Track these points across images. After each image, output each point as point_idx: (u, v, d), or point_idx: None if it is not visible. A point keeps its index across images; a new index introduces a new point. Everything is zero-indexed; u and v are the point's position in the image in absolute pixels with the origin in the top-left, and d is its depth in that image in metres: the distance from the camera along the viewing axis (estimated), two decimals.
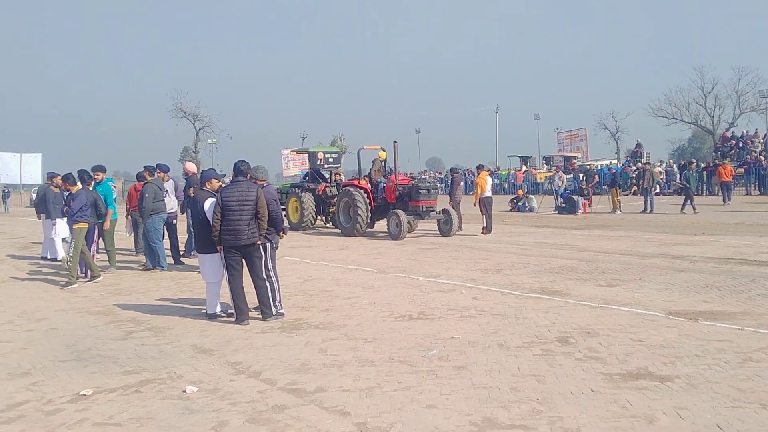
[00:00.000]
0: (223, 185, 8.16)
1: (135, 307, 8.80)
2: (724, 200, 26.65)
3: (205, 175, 8.50)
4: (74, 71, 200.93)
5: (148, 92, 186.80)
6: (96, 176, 12.14)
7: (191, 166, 14.40)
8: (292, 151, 41.31)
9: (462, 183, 19.25)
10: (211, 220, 7.68)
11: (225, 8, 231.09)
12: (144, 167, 12.78)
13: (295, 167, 58.10)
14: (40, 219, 15.21)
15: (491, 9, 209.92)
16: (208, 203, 7.77)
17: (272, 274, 7.96)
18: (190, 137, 65.47)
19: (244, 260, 7.76)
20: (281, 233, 8.34)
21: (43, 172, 25.02)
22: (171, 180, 13.52)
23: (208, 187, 8.16)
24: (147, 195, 11.88)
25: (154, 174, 12.59)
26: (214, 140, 65.30)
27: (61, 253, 13.64)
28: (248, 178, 7.97)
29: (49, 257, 14.09)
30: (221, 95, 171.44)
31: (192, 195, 12.10)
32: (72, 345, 6.87)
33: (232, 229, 7.54)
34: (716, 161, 34.72)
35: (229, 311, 7.92)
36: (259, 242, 7.73)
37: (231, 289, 7.70)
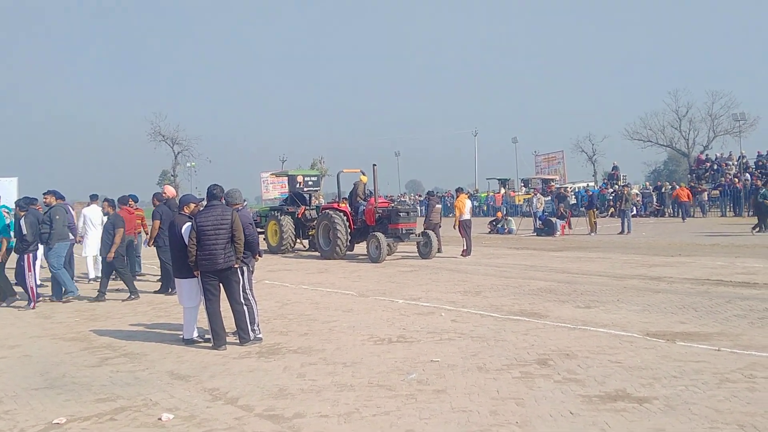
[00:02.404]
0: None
1: (111, 333, 8.68)
2: (683, 218, 29.91)
3: (183, 199, 8.46)
4: (50, 93, 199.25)
5: (127, 115, 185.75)
6: None
7: (170, 190, 14.33)
8: (271, 174, 41.29)
9: (439, 206, 19.26)
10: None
11: (203, 30, 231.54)
12: (50, 191, 12.25)
13: (274, 190, 57.99)
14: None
15: (469, 33, 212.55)
16: (186, 228, 7.72)
17: (250, 297, 7.91)
18: (169, 161, 65.07)
19: (221, 284, 7.70)
20: (257, 256, 8.31)
21: (19, 196, 24.73)
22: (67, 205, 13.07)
23: (186, 211, 8.12)
24: (58, 217, 11.51)
25: (64, 198, 12.32)
26: (193, 164, 65.03)
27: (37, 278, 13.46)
28: (222, 201, 7.95)
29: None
30: (200, 118, 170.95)
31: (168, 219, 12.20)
32: (46, 372, 6.74)
33: (209, 254, 7.49)
34: (692, 183, 35.25)
35: (207, 336, 7.84)
36: (236, 266, 7.67)
37: (208, 314, 7.62)
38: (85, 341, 8.27)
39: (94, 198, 15.28)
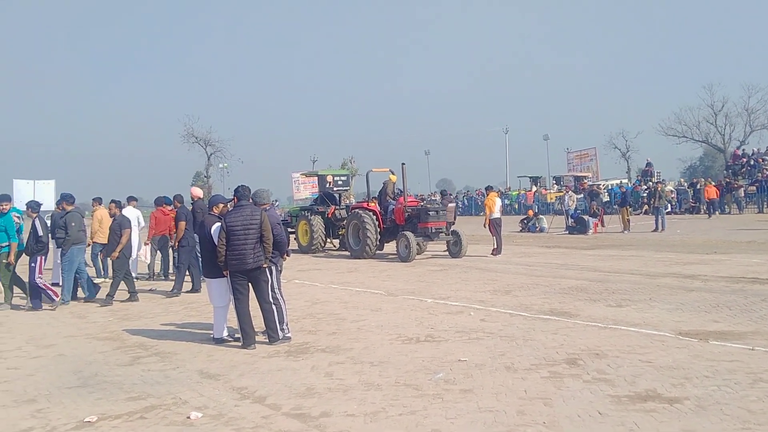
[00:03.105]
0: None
1: (143, 333, 8.81)
2: (709, 215, 29.99)
3: (212, 200, 8.55)
4: (88, 96, 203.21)
5: (161, 118, 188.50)
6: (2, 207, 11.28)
7: (197, 191, 14.58)
8: (302, 174, 41.55)
9: (452, 205, 19.14)
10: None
11: (236, 35, 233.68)
12: (63, 197, 12.33)
13: (305, 190, 58.24)
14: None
15: (499, 30, 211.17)
16: (215, 228, 7.80)
17: (279, 297, 7.96)
18: (202, 162, 65.78)
19: (250, 284, 7.76)
20: (285, 256, 8.36)
21: (56, 199, 25.24)
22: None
23: (215, 211, 8.21)
24: (74, 224, 11.51)
25: (74, 203, 12.31)
26: (226, 165, 65.62)
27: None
28: (250, 201, 8.01)
29: (56, 281, 14.11)
30: (232, 120, 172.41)
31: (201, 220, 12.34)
32: (79, 371, 6.87)
33: (238, 254, 7.55)
34: (727, 179, 34.59)
35: (236, 335, 7.91)
36: (264, 266, 7.73)
37: (237, 313, 7.68)
38: (118, 340, 8.41)
39: (131, 200, 15.64)
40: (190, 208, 13.47)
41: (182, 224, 12.52)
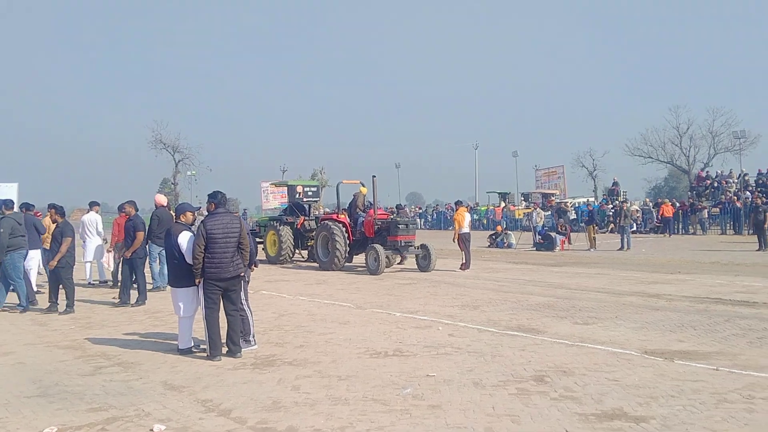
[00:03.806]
0: (201, 217, 8.09)
1: (105, 342, 8.63)
2: (669, 234, 31.60)
3: (180, 207, 8.42)
4: (53, 98, 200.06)
5: (128, 122, 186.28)
6: None
7: (161, 199, 14.40)
8: (271, 183, 41.27)
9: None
10: (186, 254, 7.58)
11: (205, 39, 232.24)
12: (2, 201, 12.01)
13: (274, 200, 57.88)
14: None
15: (470, 46, 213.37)
16: (183, 236, 7.68)
17: (246, 307, 7.89)
18: (170, 169, 64.91)
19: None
20: (253, 266, 8.29)
21: (19, 202, 24.70)
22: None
23: (183, 219, 8.08)
24: (2, 230, 11.20)
25: (12, 207, 12.07)
26: (194, 172, 64.76)
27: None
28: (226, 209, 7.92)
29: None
30: (201, 127, 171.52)
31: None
32: (38, 380, 6.69)
33: (218, 262, 7.44)
34: (691, 200, 35.24)
35: (202, 346, 7.79)
36: (242, 274, 7.65)
37: (208, 323, 7.55)
38: (79, 349, 8.22)
39: (93, 205, 15.39)
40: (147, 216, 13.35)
41: (141, 235, 12.12)
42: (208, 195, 7.92)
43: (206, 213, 8.08)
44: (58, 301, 11.31)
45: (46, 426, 5.23)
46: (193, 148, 63.19)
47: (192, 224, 8.15)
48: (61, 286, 11.33)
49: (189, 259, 7.61)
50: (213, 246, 7.42)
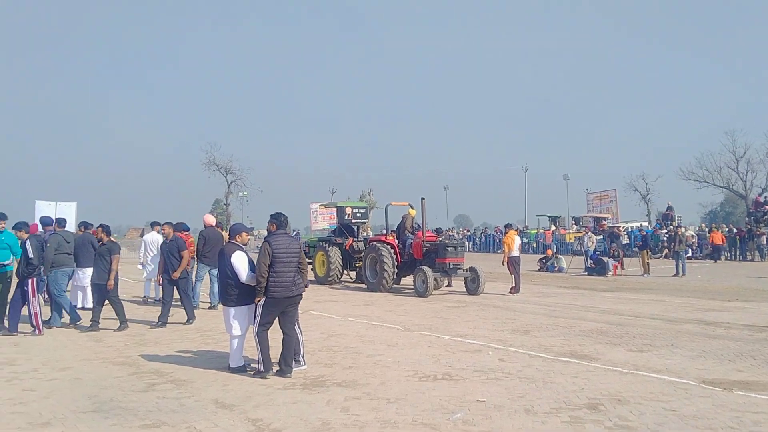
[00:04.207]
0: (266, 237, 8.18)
1: (159, 359, 8.78)
2: (714, 260, 31.68)
3: (234, 228, 8.54)
4: (111, 121, 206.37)
5: (183, 144, 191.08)
6: None
7: (209, 219, 14.79)
8: (320, 205, 41.68)
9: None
10: (240, 273, 7.70)
11: (261, 66, 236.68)
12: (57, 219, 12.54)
13: (323, 221, 58.40)
14: None
15: (520, 67, 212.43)
16: (237, 256, 7.79)
17: (296, 327, 7.96)
18: (222, 190, 66.16)
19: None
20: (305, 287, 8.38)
21: (77, 221, 25.47)
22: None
23: (239, 240, 8.21)
24: (49, 245, 11.44)
25: (63, 226, 12.44)
26: (245, 193, 65.94)
27: (89, 302, 13.81)
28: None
29: (78, 305, 14.13)
30: (253, 149, 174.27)
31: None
32: (94, 396, 6.83)
33: (282, 281, 7.57)
34: (749, 226, 34.24)
35: (252, 365, 7.86)
36: (302, 293, 7.86)
37: (261, 342, 7.62)
38: (133, 366, 8.38)
39: (154, 225, 15.82)
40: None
41: (186, 254, 12.24)
42: (272, 215, 8.05)
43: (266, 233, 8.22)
44: (97, 319, 11.48)
45: None
46: (245, 170, 64.32)
47: (245, 244, 8.30)
48: (107, 303, 11.43)
49: (244, 279, 7.72)
50: (278, 265, 7.55)
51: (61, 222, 12.73)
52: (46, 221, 13.15)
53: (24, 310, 10.95)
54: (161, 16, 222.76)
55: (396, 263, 17.80)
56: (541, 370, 7.88)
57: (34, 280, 10.93)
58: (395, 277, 17.91)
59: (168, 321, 11.81)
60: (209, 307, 14.20)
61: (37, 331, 10.79)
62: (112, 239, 11.88)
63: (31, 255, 10.76)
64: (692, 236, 34.36)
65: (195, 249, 13.74)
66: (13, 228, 11.26)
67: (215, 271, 14.40)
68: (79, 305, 13.95)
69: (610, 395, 6.69)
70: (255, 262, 7.73)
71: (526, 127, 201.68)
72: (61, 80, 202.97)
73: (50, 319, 11.69)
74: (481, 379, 7.47)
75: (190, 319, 12.09)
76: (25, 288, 10.82)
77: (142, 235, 15.12)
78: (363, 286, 19.18)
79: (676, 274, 23.14)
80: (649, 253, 25.71)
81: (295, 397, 6.72)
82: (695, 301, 15.44)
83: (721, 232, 34.31)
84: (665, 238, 33.58)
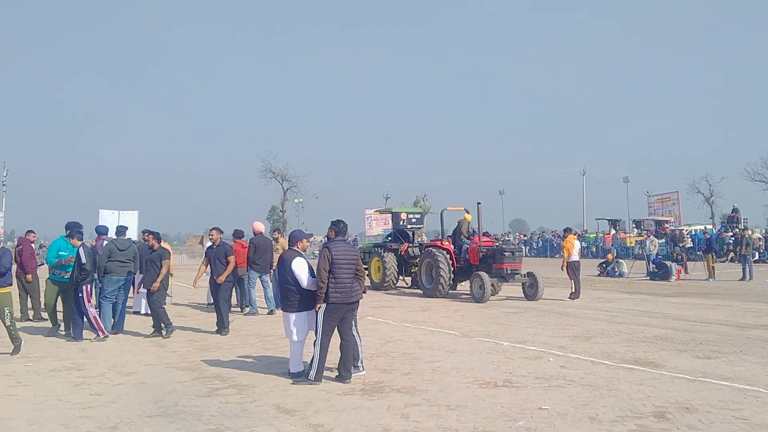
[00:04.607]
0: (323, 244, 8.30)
1: (220, 364, 8.92)
2: None
3: (294, 235, 8.63)
4: (171, 131, 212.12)
5: (240, 152, 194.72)
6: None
7: (259, 226, 14.97)
8: (375, 211, 41.81)
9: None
10: (300, 278, 7.78)
11: (311, 73, 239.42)
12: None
13: (377, 227, 58.60)
14: None
15: (578, 69, 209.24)
16: (298, 262, 7.87)
17: (355, 332, 8.01)
18: (278, 197, 67.02)
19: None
20: (362, 292, 8.40)
21: (139, 229, 26.19)
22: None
23: (299, 247, 8.31)
24: (102, 253, 11.67)
25: (123, 234, 12.73)
26: (301, 200, 66.58)
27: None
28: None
29: (142, 312, 14.48)
30: (307, 155, 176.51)
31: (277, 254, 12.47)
32: (159, 400, 6.98)
33: (342, 287, 7.65)
34: None
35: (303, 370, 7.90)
36: (360, 300, 7.97)
37: (322, 348, 7.64)
38: (196, 371, 8.53)
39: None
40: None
41: (233, 259, 12.25)
42: (332, 222, 8.12)
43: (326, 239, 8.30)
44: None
45: None
46: (300, 177, 65.03)
47: (304, 250, 8.39)
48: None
49: (305, 285, 7.80)
50: (337, 271, 7.63)
51: (120, 230, 13.05)
52: (101, 230, 13.49)
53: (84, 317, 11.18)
54: (217, 22, 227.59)
55: (452, 269, 17.70)
56: (605, 378, 7.70)
57: (89, 286, 11.14)
58: (451, 282, 17.82)
59: (229, 326, 11.90)
60: (268, 313, 14.38)
61: (101, 334, 11.02)
62: (163, 245, 12.04)
63: (83, 261, 10.95)
64: (759, 239, 33.18)
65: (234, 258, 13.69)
66: (67, 236, 11.48)
67: (266, 278, 14.62)
68: (143, 311, 14.31)
69: (678, 403, 6.49)
70: (314, 268, 7.81)
71: (584, 130, 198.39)
72: (120, 91, 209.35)
73: (114, 324, 12.01)
74: (543, 386, 7.34)
75: (222, 329, 11.78)
76: (80, 294, 10.99)
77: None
78: (419, 291, 19.14)
79: (743, 278, 22.37)
80: (714, 256, 24.95)
81: (354, 403, 6.73)
82: (764, 306, 14.89)
83: None
84: (731, 241, 32.53)
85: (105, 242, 12.50)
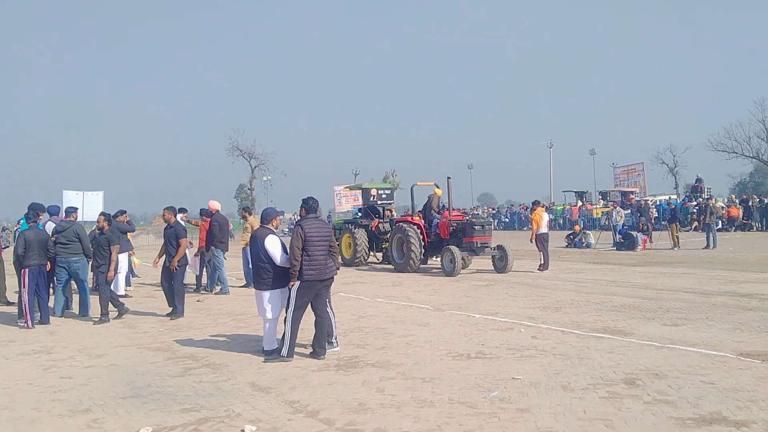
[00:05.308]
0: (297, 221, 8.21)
1: (193, 343, 8.86)
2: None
3: (267, 213, 8.56)
4: (135, 109, 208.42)
5: (206, 130, 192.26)
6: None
7: (215, 204, 14.75)
8: (345, 187, 41.66)
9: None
10: (274, 256, 7.74)
11: (280, 48, 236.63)
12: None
13: (347, 203, 58.50)
14: None
15: (546, 44, 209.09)
16: (271, 240, 7.82)
17: (329, 309, 8.01)
18: (246, 175, 66.48)
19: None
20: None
21: (104, 209, 25.73)
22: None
23: (273, 225, 8.25)
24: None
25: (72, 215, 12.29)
26: (269, 177, 66.23)
27: (121, 290, 13.97)
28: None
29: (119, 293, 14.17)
30: (275, 132, 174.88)
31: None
32: (131, 381, 6.92)
33: (316, 264, 7.62)
34: None
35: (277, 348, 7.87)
36: (334, 276, 7.96)
37: (293, 325, 7.65)
38: (168, 351, 8.47)
39: (181, 211, 15.84)
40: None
41: (184, 241, 11.53)
42: (302, 200, 8.06)
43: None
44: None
45: (141, 426, 5.38)
46: (268, 155, 64.52)
47: (276, 227, 8.34)
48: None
49: (279, 262, 7.76)
50: (311, 248, 7.60)
51: (67, 211, 12.57)
52: (51, 210, 12.92)
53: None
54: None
55: (423, 243, 17.77)
56: (576, 347, 7.82)
57: (26, 270, 10.66)
58: (422, 257, 17.89)
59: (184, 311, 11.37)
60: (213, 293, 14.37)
61: (25, 323, 10.50)
62: (114, 227, 11.66)
63: (18, 245, 10.68)
64: (722, 208, 33.89)
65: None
66: (26, 217, 11.17)
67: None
68: (120, 292, 14.04)
69: (648, 370, 6.63)
70: (287, 245, 7.78)
71: (551, 103, 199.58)
72: (84, 68, 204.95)
73: (80, 309, 11.68)
74: (515, 356, 7.44)
75: (176, 312, 11.24)
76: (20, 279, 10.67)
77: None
78: (390, 267, 19.19)
79: (707, 247, 22.85)
80: (679, 226, 25.40)
81: (330, 379, 6.75)
82: (728, 273, 15.23)
83: (751, 203, 33.92)
84: (695, 211, 33.17)
85: (50, 223, 12.20)
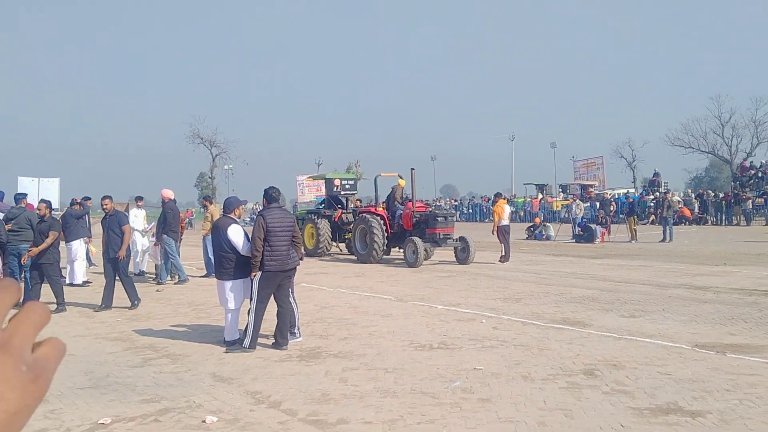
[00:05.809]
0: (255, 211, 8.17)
1: (152, 333, 8.74)
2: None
3: (230, 202, 8.47)
4: (92, 95, 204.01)
5: (166, 118, 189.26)
6: None
7: (168, 193, 14.45)
8: (308, 177, 41.46)
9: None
10: (237, 246, 7.66)
11: (243, 37, 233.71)
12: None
13: (310, 193, 58.21)
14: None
15: (507, 37, 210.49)
16: (233, 229, 7.74)
17: (292, 299, 7.97)
18: (207, 163, 65.72)
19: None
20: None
21: (60, 197, 25.13)
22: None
23: (235, 214, 8.15)
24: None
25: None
26: (231, 166, 65.58)
27: (79, 278, 13.72)
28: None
29: (77, 282, 13.93)
30: (237, 121, 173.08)
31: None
32: (90, 372, 6.80)
33: (278, 255, 7.56)
34: (735, 191, 34.55)
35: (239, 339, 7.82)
36: (297, 266, 7.92)
37: (256, 316, 7.58)
38: (127, 341, 8.34)
39: (138, 199, 15.67)
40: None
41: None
42: (264, 190, 7.99)
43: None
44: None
45: (100, 417, 5.30)
46: (229, 143, 63.83)
47: (239, 217, 8.26)
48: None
49: (243, 251, 7.69)
50: (273, 239, 7.54)
51: (16, 198, 12.38)
52: None
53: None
54: None
55: (386, 234, 17.78)
56: (536, 338, 7.93)
57: None
58: (385, 248, 17.91)
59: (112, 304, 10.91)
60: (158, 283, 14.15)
61: None
62: (54, 216, 11.39)
63: None
64: (679, 202, 34.64)
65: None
66: None
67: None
68: (67, 281, 13.81)
69: (606, 360, 6.75)
70: (249, 235, 7.72)
71: (512, 96, 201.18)
72: (43, 54, 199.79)
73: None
74: (477, 347, 7.51)
75: (134, 303, 10.93)
76: None
77: (126, 211, 14.91)
78: (353, 257, 19.18)
79: (663, 240, 23.35)
80: (636, 219, 25.89)
81: (292, 369, 6.73)
82: (684, 266, 15.58)
83: (706, 197, 34.74)
84: (652, 204, 33.83)
85: None
